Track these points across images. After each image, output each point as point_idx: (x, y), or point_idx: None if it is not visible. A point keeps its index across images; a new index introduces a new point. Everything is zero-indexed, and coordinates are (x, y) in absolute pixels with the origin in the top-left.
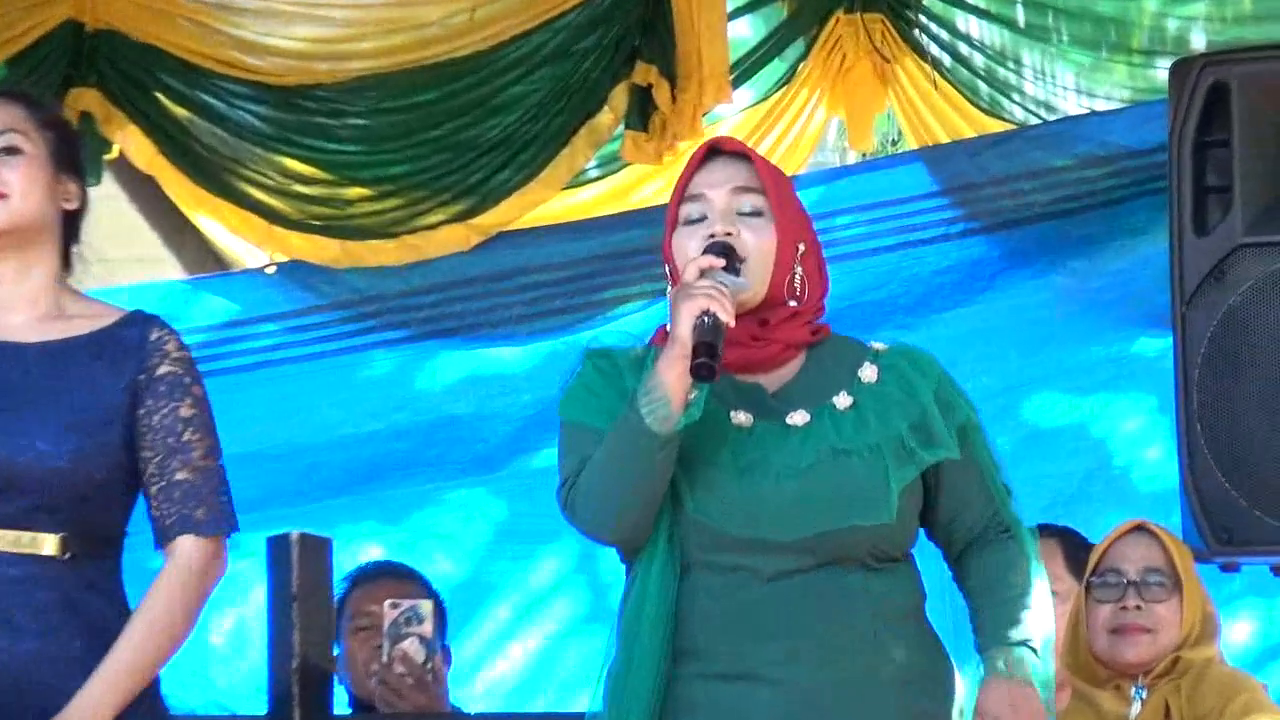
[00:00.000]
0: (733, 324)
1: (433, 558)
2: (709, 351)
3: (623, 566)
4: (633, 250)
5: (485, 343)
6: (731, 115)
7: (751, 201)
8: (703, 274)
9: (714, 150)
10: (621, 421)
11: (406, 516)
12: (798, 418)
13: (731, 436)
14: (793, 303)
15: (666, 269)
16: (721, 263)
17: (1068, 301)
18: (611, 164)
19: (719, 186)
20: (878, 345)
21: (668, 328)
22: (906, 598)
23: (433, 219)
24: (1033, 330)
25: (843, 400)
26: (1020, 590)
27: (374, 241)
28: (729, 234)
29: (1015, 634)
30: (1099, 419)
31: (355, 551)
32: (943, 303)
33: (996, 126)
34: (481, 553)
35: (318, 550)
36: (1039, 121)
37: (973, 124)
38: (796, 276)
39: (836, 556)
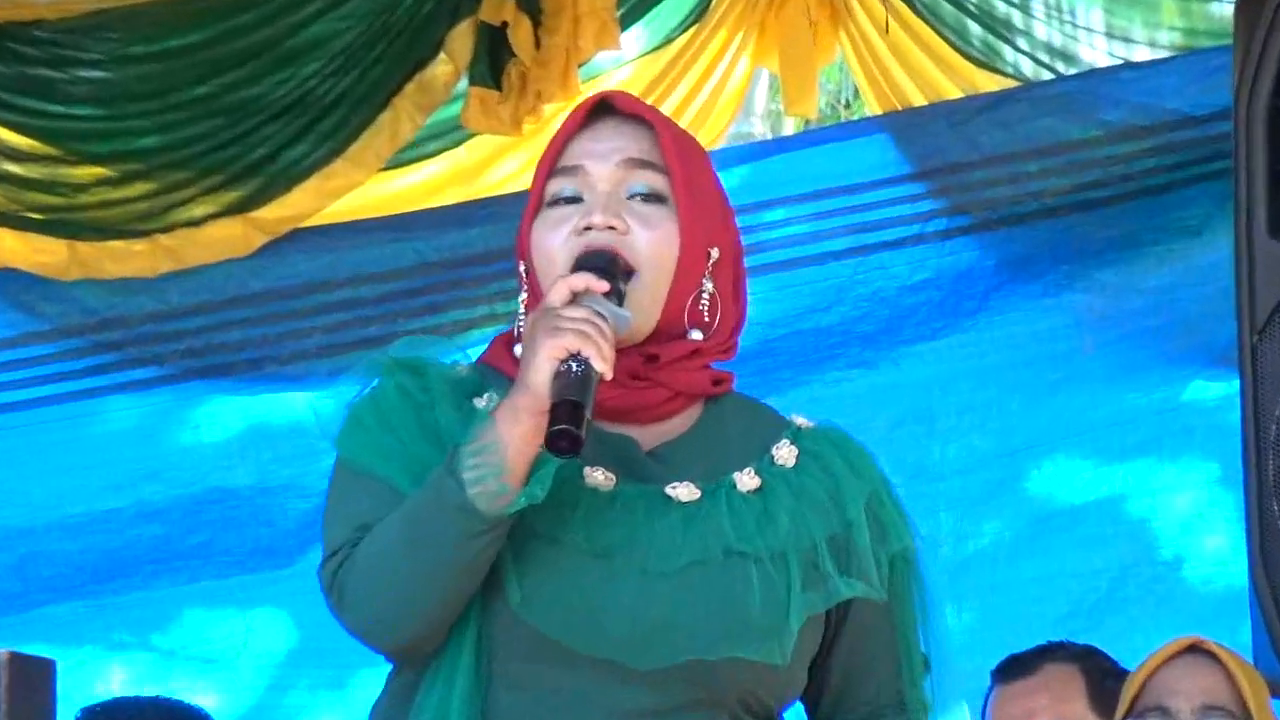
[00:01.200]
0: (610, 377)
1: (196, 687)
2: (573, 415)
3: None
4: (480, 255)
5: (271, 385)
6: (619, 68)
7: (648, 181)
8: (576, 297)
9: (602, 107)
10: (433, 487)
11: (160, 629)
12: (682, 491)
13: (585, 503)
14: (695, 334)
15: (520, 269)
16: (604, 286)
17: (1093, 329)
18: (450, 134)
19: (604, 158)
20: (800, 420)
21: (511, 341)
22: None
23: (198, 211)
24: (1043, 369)
25: (747, 480)
26: None
27: (116, 242)
28: (613, 228)
29: None
30: (1138, 494)
31: (88, 679)
32: (916, 330)
33: (993, 84)
34: (265, 682)
35: (34, 676)
36: (1051, 77)
37: (959, 80)
38: (705, 296)
39: (703, 698)
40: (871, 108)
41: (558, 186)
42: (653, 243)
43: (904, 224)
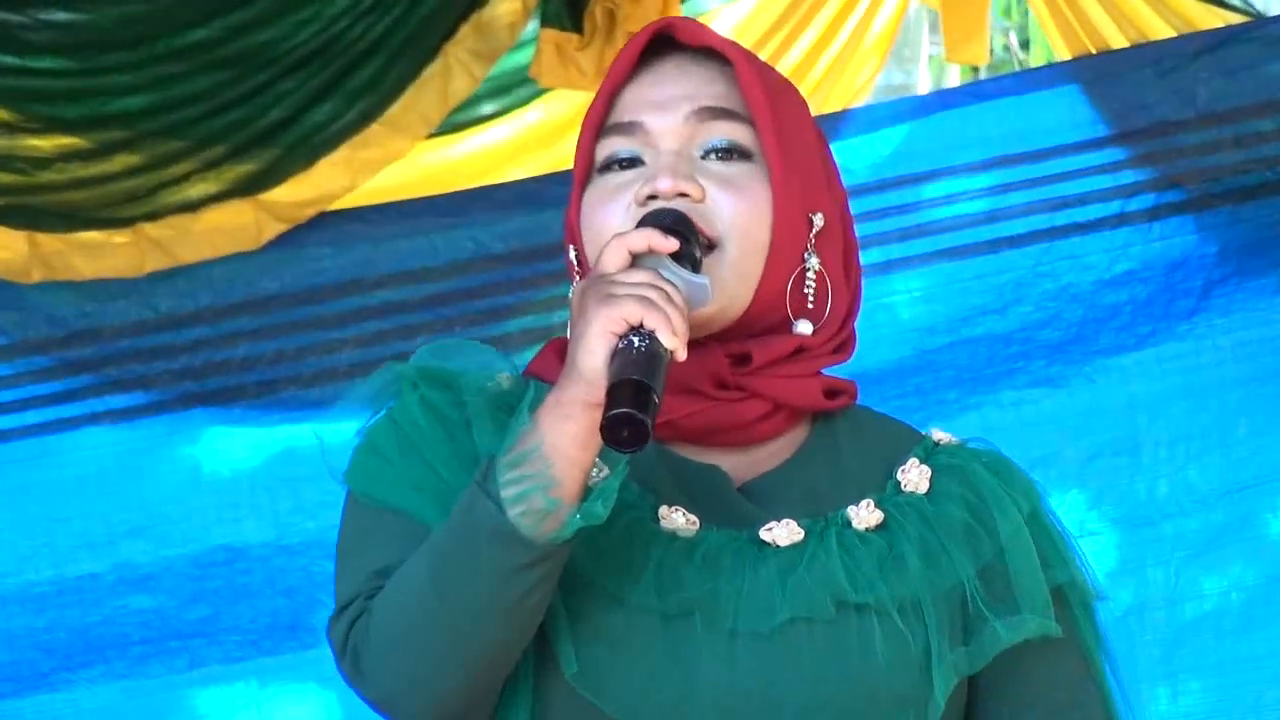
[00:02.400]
0: (683, 356)
1: None
2: (638, 398)
3: None
4: (556, 245)
5: (290, 414)
6: (732, 3)
7: (727, 134)
8: (636, 260)
9: (662, 42)
10: (463, 511)
11: None
12: (780, 532)
13: (657, 554)
14: (801, 326)
15: (570, 256)
16: (673, 244)
17: None
18: (517, 90)
19: (669, 109)
20: (939, 434)
21: (565, 348)
22: None
23: (194, 192)
24: (1279, 385)
25: (865, 515)
26: None
27: (89, 234)
28: (685, 194)
29: None
30: None
31: None
32: (1117, 337)
33: (1214, 20)
34: None
35: None
36: None
37: (1170, 15)
38: (809, 276)
39: None
40: (1059, 52)
41: (611, 148)
42: (738, 209)
43: (1101, 200)
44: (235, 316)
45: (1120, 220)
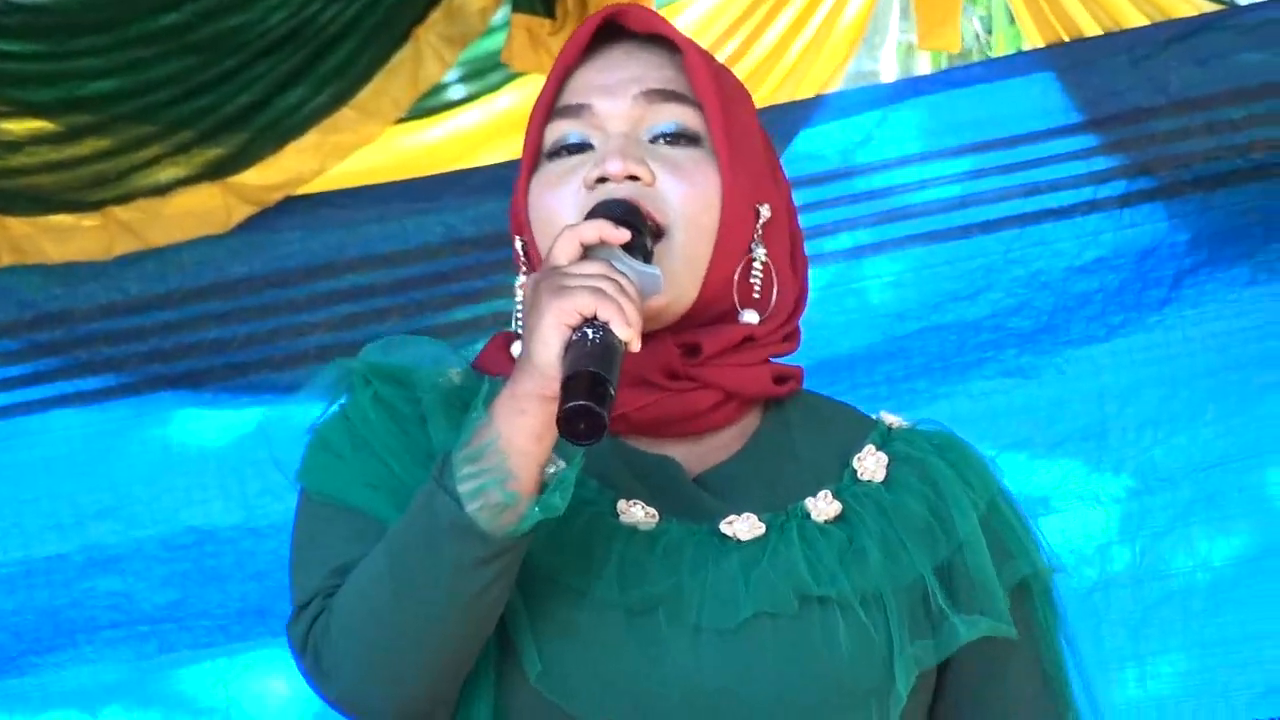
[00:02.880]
0: (637, 347)
1: None
2: (594, 391)
3: None
4: None
5: (259, 397)
6: None
7: (676, 118)
8: (587, 251)
9: (613, 27)
10: (420, 507)
11: (120, 714)
12: (741, 526)
13: (618, 549)
14: (749, 315)
15: (517, 245)
16: (624, 235)
17: None
18: (489, 75)
19: (618, 92)
20: (890, 418)
21: (515, 344)
22: None
23: (164, 175)
24: (1249, 374)
25: (824, 506)
26: None
27: (58, 217)
28: (635, 178)
29: None
30: None
31: None
32: (1087, 326)
33: (1187, 8)
34: None
35: None
36: None
37: (1144, 2)
38: (756, 267)
39: None
40: (1031, 39)
41: (559, 132)
42: (687, 194)
43: (1072, 187)
44: (204, 300)
45: (1091, 207)
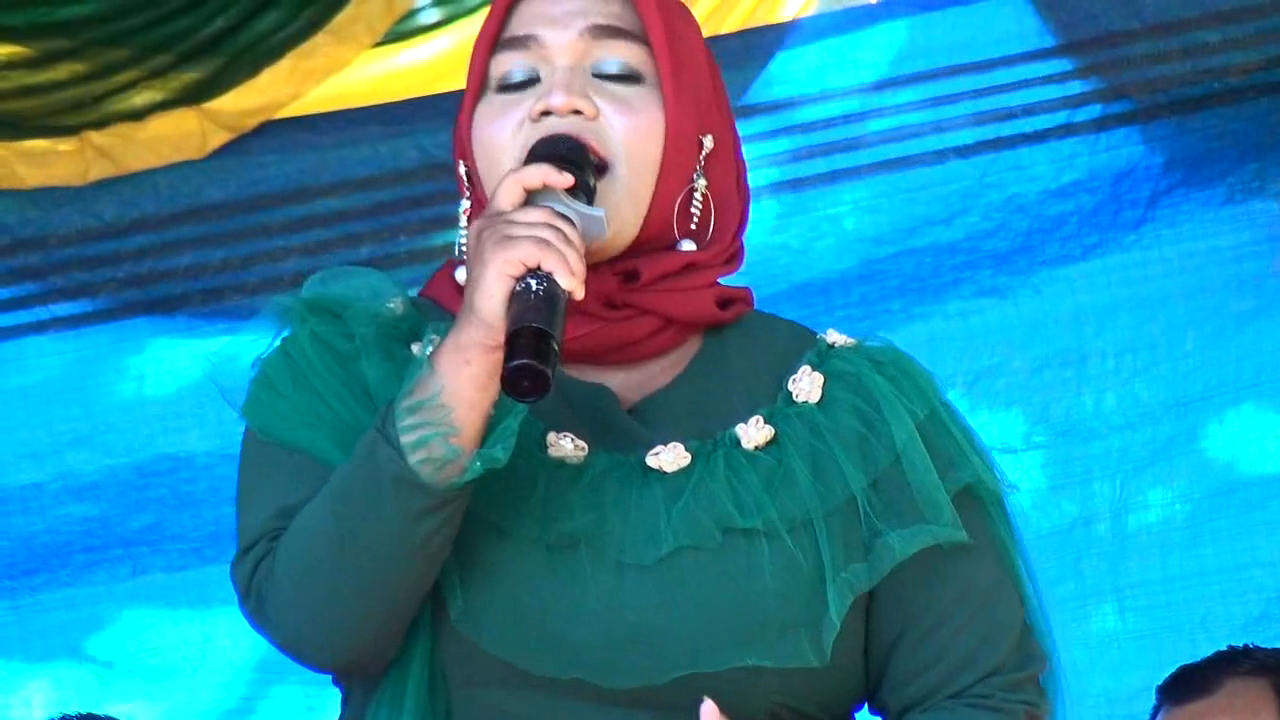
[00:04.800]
0: (581, 295)
1: (141, 708)
2: (539, 347)
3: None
4: None
5: (234, 323)
6: None
7: (621, 56)
8: (530, 196)
9: None
10: (363, 457)
11: (94, 636)
12: (666, 457)
13: (543, 484)
14: (687, 244)
15: (461, 171)
16: (568, 180)
17: None
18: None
19: (563, 24)
20: (835, 337)
21: (460, 269)
22: None
23: (139, 100)
24: (1226, 298)
25: (754, 432)
26: None
27: (33, 142)
28: (578, 112)
29: None
30: None
31: (2, 698)
32: (1063, 248)
33: None
34: (228, 701)
35: None
36: None
37: None
38: (696, 197)
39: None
40: None
41: (505, 65)
42: (630, 130)
43: (1047, 111)
44: (180, 224)
45: (1067, 131)
